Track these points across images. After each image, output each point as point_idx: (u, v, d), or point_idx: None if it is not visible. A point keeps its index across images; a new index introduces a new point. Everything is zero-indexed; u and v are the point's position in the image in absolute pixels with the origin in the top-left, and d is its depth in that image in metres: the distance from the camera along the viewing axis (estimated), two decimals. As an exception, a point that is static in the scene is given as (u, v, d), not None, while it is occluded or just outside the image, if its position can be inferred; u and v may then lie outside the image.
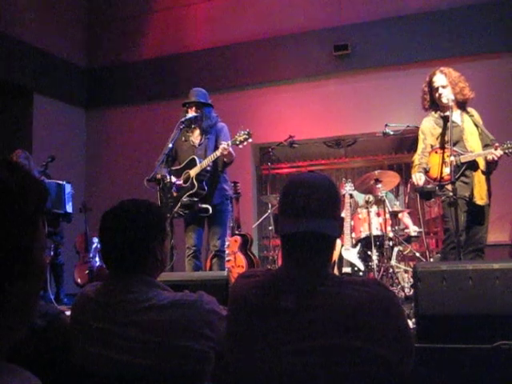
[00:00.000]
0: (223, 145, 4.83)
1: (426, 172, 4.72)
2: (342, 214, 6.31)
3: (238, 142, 4.87)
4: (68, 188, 6.88)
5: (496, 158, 4.38)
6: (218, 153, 4.86)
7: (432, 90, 4.70)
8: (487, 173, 4.57)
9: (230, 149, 4.87)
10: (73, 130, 9.53)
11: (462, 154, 4.45)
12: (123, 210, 1.89)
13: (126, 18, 9.70)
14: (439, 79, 4.67)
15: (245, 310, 1.59)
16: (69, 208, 6.73)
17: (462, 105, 4.69)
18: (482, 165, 4.54)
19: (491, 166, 4.50)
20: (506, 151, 4.32)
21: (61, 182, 6.84)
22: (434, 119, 4.76)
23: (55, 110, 9.10)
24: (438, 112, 4.68)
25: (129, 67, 9.56)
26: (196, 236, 5.17)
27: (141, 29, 9.65)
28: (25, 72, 8.51)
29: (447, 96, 4.58)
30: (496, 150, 4.37)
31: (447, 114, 4.48)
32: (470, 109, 4.71)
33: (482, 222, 4.61)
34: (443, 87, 4.64)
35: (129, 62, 9.59)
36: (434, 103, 4.74)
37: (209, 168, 5.00)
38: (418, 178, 4.68)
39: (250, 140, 4.92)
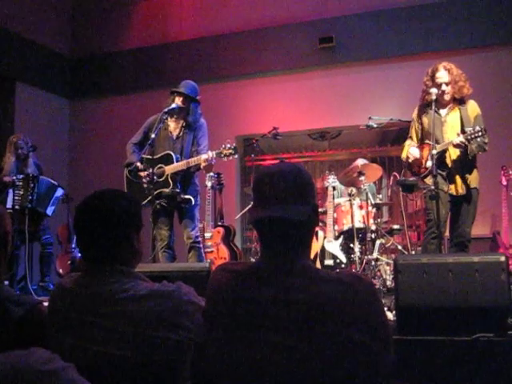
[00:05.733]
0: (205, 156, 4.81)
1: (409, 163, 4.78)
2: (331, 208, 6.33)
3: (222, 155, 4.81)
4: (59, 192, 6.84)
5: (459, 143, 4.38)
6: (201, 162, 4.83)
7: (434, 85, 4.66)
8: (465, 164, 4.59)
9: (213, 160, 4.83)
10: (56, 120, 9.46)
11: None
12: (97, 200, 1.87)
13: (111, 7, 9.62)
14: (443, 76, 4.62)
15: (223, 302, 1.60)
16: (49, 211, 6.67)
17: (458, 100, 4.69)
18: (455, 155, 4.57)
19: (466, 156, 4.51)
20: (468, 137, 4.34)
21: (55, 183, 6.79)
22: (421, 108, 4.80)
23: (38, 98, 9.03)
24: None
25: (113, 57, 9.50)
26: (168, 227, 5.18)
27: (126, 18, 9.58)
28: (7, 60, 8.41)
29: (449, 93, 4.61)
30: (459, 136, 4.40)
31: (432, 108, 4.50)
32: (469, 101, 4.69)
33: (460, 214, 4.64)
34: (446, 84, 4.62)
35: (113, 51, 9.52)
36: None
37: (184, 167, 4.97)
38: (412, 152, 4.73)
39: (236, 156, 4.87)
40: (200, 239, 5.38)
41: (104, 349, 1.69)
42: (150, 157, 5.13)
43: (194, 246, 5.16)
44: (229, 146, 4.83)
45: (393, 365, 1.54)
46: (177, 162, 4.98)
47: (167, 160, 5.02)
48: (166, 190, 4.96)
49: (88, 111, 9.67)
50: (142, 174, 4.95)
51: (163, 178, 4.98)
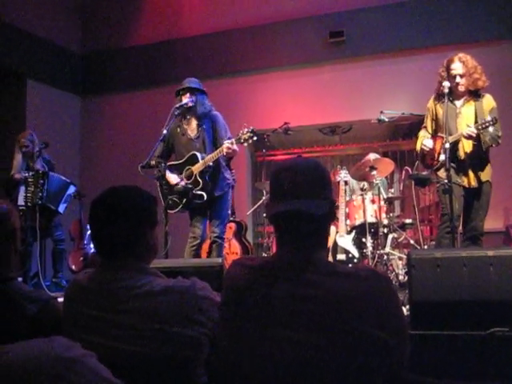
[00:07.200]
0: (227, 144, 4.83)
1: (422, 155, 4.76)
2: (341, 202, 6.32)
3: (242, 141, 4.87)
4: (71, 189, 6.85)
5: (471, 134, 4.37)
6: (223, 152, 4.85)
7: (449, 76, 4.65)
8: (478, 156, 4.57)
9: (234, 146, 4.87)
10: (67, 116, 9.48)
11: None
12: (112, 196, 1.87)
13: (121, 3, 9.62)
14: (457, 67, 4.59)
15: (238, 297, 1.59)
16: (61, 208, 6.68)
17: (473, 92, 4.66)
18: (468, 148, 4.55)
19: (479, 148, 4.49)
20: (479, 127, 4.33)
21: (67, 181, 6.81)
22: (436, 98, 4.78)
23: (49, 96, 9.04)
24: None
25: (123, 53, 9.50)
26: (202, 227, 5.21)
27: (136, 14, 9.58)
28: (18, 57, 8.44)
29: (463, 85, 4.58)
30: (469, 127, 4.39)
31: (444, 99, 4.48)
32: (485, 95, 4.66)
33: (473, 208, 4.61)
34: (461, 76, 4.59)
35: (123, 47, 9.53)
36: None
37: (211, 163, 4.98)
38: (426, 143, 4.70)
39: (255, 138, 4.90)
40: (224, 236, 5.37)
41: (119, 345, 1.69)
42: (177, 162, 5.17)
43: (216, 240, 5.16)
44: (246, 130, 4.87)
45: (408, 359, 1.53)
46: (202, 160, 5.01)
47: (192, 160, 5.04)
48: (197, 189, 4.98)
49: (99, 107, 9.68)
50: (170, 180, 5.04)
51: (192, 179, 5.01)
